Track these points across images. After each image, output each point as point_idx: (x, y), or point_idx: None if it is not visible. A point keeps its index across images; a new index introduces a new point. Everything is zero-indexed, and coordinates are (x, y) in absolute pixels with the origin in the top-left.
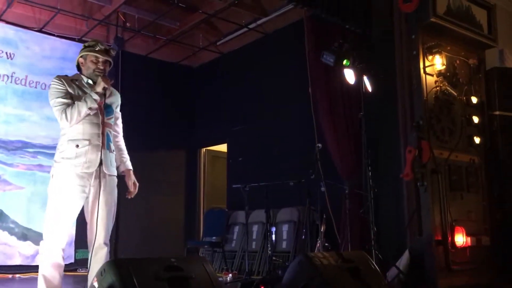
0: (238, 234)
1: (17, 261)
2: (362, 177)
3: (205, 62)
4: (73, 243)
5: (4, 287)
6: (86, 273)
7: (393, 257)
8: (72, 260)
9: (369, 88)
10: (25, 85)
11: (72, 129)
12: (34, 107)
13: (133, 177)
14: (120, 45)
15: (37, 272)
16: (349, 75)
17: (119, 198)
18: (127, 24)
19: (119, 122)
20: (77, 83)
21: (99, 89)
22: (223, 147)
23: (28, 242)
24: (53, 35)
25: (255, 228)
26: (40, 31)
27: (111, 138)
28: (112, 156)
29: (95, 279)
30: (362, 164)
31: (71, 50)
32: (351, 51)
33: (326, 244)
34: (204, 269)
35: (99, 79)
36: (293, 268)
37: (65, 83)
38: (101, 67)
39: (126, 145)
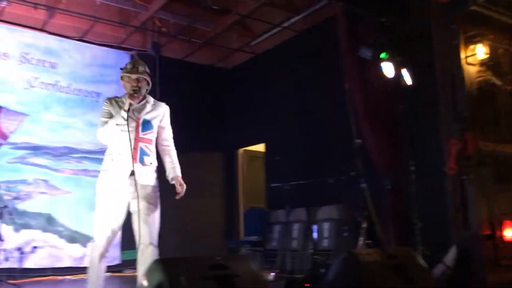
0: (279, 233)
1: (66, 263)
2: (402, 172)
3: (239, 63)
4: (119, 245)
5: None
6: (132, 274)
7: (438, 252)
8: (119, 261)
9: (409, 81)
10: (68, 93)
11: (110, 143)
12: (77, 113)
13: (179, 181)
14: (157, 50)
15: (86, 273)
16: (388, 69)
17: (163, 203)
18: (163, 29)
19: (166, 133)
20: (120, 103)
21: (126, 107)
22: (260, 147)
23: (77, 245)
24: (93, 43)
25: (295, 226)
26: (80, 40)
27: (148, 152)
28: (147, 168)
29: (144, 277)
30: (402, 159)
31: (110, 57)
32: (389, 44)
33: (369, 241)
34: (249, 267)
35: (126, 97)
36: (337, 265)
37: (109, 104)
38: (134, 84)
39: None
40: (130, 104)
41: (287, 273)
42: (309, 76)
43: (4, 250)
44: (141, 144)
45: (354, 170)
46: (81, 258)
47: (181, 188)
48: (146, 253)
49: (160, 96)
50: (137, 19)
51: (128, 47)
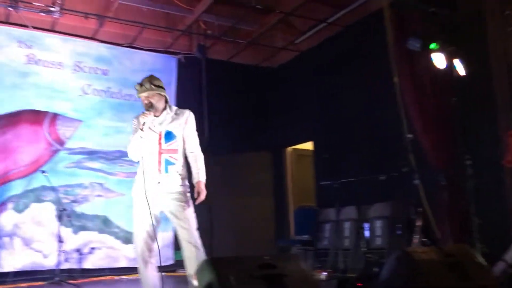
0: (330, 231)
1: (122, 263)
2: (457, 166)
3: (285, 62)
4: (172, 245)
5: (112, 287)
6: (185, 273)
7: (498, 250)
8: (172, 261)
9: (461, 72)
10: (119, 98)
11: (139, 158)
12: (128, 118)
13: (200, 186)
14: (203, 53)
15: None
16: (439, 60)
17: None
18: (208, 31)
19: (191, 140)
20: (141, 119)
21: (140, 125)
22: (308, 145)
23: (132, 245)
24: (142, 49)
25: (346, 225)
26: (129, 46)
27: (173, 161)
28: (173, 177)
29: (194, 276)
30: (457, 153)
31: (158, 62)
32: (439, 34)
33: (424, 239)
34: (298, 267)
35: (140, 115)
36: (391, 264)
37: (137, 121)
38: (146, 102)
39: (214, 150)
40: (144, 123)
41: (339, 273)
42: (356, 72)
43: (64, 251)
44: (164, 156)
45: (406, 166)
46: (134, 259)
47: (201, 194)
48: (186, 252)
49: (207, 97)
50: (183, 23)
51: (175, 51)
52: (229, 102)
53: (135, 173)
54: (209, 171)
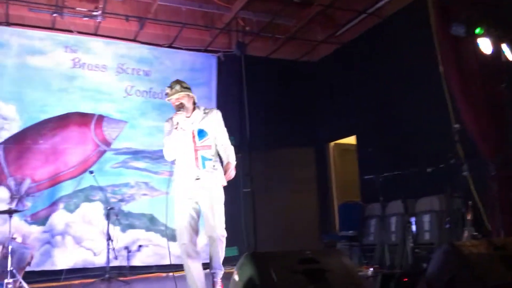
0: (375, 227)
1: (169, 260)
2: (508, 155)
3: (325, 55)
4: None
5: (160, 284)
6: (230, 270)
7: None
8: None
9: (510, 57)
10: (161, 98)
11: (177, 156)
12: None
13: (227, 167)
14: (241, 50)
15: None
16: (485, 45)
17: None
18: (247, 28)
19: (221, 135)
20: (172, 121)
21: (174, 126)
22: (351, 140)
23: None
24: (182, 48)
25: (392, 220)
26: (170, 46)
27: (209, 157)
28: (211, 172)
29: (236, 272)
30: (507, 142)
31: (198, 60)
32: (484, 18)
33: (475, 233)
34: (341, 262)
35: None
36: (437, 258)
37: (168, 124)
38: (177, 104)
39: (255, 145)
40: (178, 122)
41: (386, 269)
42: (399, 63)
43: (113, 249)
44: (200, 152)
45: (454, 157)
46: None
47: (229, 171)
48: (214, 245)
49: (247, 94)
50: (221, 21)
51: (214, 49)
52: (270, 98)
53: None
54: (252, 167)
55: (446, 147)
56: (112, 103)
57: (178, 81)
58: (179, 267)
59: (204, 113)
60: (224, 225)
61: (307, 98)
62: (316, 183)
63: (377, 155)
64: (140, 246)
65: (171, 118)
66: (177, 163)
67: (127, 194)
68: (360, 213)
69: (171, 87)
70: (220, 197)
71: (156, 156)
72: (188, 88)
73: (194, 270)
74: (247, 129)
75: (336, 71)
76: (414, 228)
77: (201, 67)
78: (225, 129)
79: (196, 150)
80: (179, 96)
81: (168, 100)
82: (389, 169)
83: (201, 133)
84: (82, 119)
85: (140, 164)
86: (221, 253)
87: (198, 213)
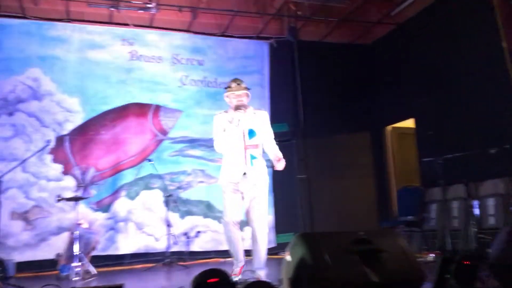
0: (437, 211)
1: (227, 246)
2: None
3: (381, 37)
4: (274, 229)
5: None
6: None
7: None
8: (274, 244)
9: None
10: (215, 87)
11: (225, 152)
12: (225, 106)
13: (277, 157)
14: (294, 35)
15: (249, 256)
16: None
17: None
18: (298, 12)
19: (267, 136)
20: (227, 117)
21: (232, 120)
22: (409, 123)
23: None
24: (234, 37)
25: (454, 204)
26: (222, 35)
27: (256, 155)
28: (257, 169)
29: (287, 252)
30: None
31: (251, 48)
32: None
33: None
34: (396, 243)
35: (231, 111)
36: (500, 241)
37: (219, 119)
38: (239, 99)
39: (309, 132)
40: (236, 117)
41: (449, 254)
42: (458, 41)
43: (173, 235)
44: (249, 150)
45: None
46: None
47: (281, 161)
48: (259, 233)
49: (300, 80)
50: (273, 7)
51: (267, 36)
52: (324, 83)
53: None
54: (306, 153)
55: (510, 127)
56: (168, 93)
57: (239, 80)
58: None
59: (254, 113)
60: (266, 221)
61: (362, 82)
62: (373, 168)
63: (437, 138)
64: (198, 232)
65: (223, 112)
66: (226, 158)
67: (185, 182)
68: (420, 198)
69: (237, 83)
70: (264, 194)
71: (211, 144)
72: (247, 88)
73: (236, 234)
74: (301, 115)
75: (392, 52)
76: (477, 212)
77: (254, 55)
78: (271, 130)
79: (245, 148)
80: (242, 93)
81: (230, 93)
82: (450, 152)
83: (251, 133)
84: (140, 109)
85: (196, 152)
86: (262, 251)
87: (242, 205)
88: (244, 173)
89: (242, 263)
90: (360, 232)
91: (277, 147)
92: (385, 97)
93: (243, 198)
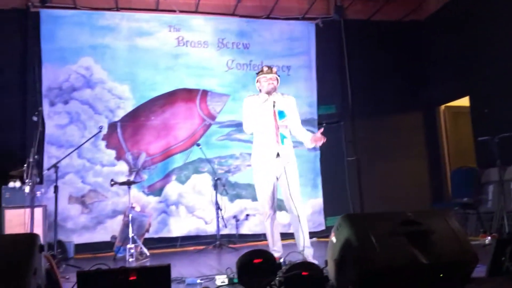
0: (493, 193)
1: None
2: None
3: (433, 12)
4: (322, 211)
5: None
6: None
7: None
8: (323, 227)
9: None
10: None
11: (256, 133)
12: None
13: (316, 135)
14: (340, 14)
15: (293, 239)
16: None
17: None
18: None
19: (295, 118)
20: (257, 99)
21: (263, 101)
22: (464, 101)
23: (283, 212)
24: (279, 18)
25: None
26: (267, 18)
27: (286, 135)
28: (288, 149)
29: (333, 233)
30: None
31: (297, 29)
32: None
33: None
34: (446, 224)
35: (261, 94)
36: None
37: (249, 101)
38: (270, 82)
39: (358, 113)
40: (267, 99)
41: (506, 236)
42: None
43: (223, 218)
44: (280, 130)
45: None
46: (289, 225)
47: (320, 138)
48: (299, 212)
49: (348, 60)
50: None
51: (313, 16)
52: (372, 63)
53: None
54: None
55: None
56: (215, 77)
57: (271, 67)
58: (286, 236)
59: (282, 97)
60: (301, 200)
61: (413, 60)
62: (426, 149)
63: (494, 116)
64: (247, 215)
65: (251, 96)
66: (258, 139)
67: (233, 165)
68: (476, 179)
69: (268, 67)
70: (296, 174)
71: None
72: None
73: (274, 229)
74: (349, 96)
75: (445, 28)
76: None
77: (300, 36)
78: (297, 112)
79: (277, 128)
80: (273, 77)
81: (261, 76)
82: (507, 130)
83: (281, 114)
84: (188, 95)
85: (244, 136)
86: (305, 230)
87: (276, 187)
88: (278, 155)
89: (280, 253)
90: (408, 213)
91: (306, 131)
92: (438, 75)
93: (277, 179)
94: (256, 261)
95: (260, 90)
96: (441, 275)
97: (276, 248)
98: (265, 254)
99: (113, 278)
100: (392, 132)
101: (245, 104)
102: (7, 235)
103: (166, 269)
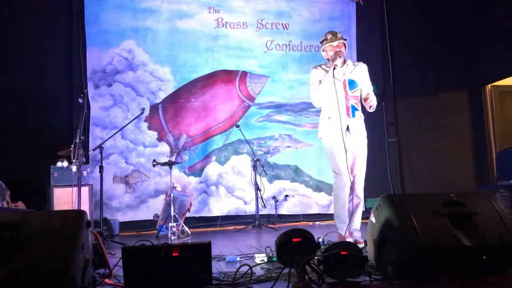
0: None
1: (315, 210)
2: None
3: None
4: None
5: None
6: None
7: None
8: (363, 209)
9: None
10: (301, 50)
11: (324, 104)
12: (310, 69)
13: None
14: None
15: (331, 219)
16: None
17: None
18: None
19: (367, 87)
20: (325, 69)
21: (331, 70)
22: (510, 81)
23: (322, 193)
24: None
25: None
26: None
27: (357, 107)
28: (359, 120)
29: (372, 214)
30: None
31: (337, 9)
32: None
33: None
34: (491, 205)
35: (330, 63)
36: None
37: (317, 71)
38: (337, 50)
39: (400, 93)
40: (335, 67)
41: None
42: None
43: (262, 198)
44: (351, 101)
45: None
46: (328, 206)
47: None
48: (360, 192)
49: (389, 38)
50: None
51: None
52: (414, 41)
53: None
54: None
55: None
56: (254, 59)
57: (334, 31)
58: (324, 216)
59: (354, 65)
60: (364, 170)
61: (458, 37)
62: (471, 130)
63: None
64: (286, 196)
65: (319, 66)
66: (327, 110)
67: (272, 147)
68: None
69: (332, 34)
70: (365, 150)
71: (298, 109)
72: (345, 39)
73: (344, 197)
74: (390, 76)
75: (492, 3)
76: None
77: (340, 15)
78: (369, 81)
79: (347, 99)
80: (339, 43)
81: (327, 45)
82: None
83: (352, 84)
84: (227, 76)
85: (283, 117)
86: (361, 211)
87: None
88: (348, 128)
89: (346, 224)
90: (451, 194)
91: (375, 98)
92: (484, 53)
93: (346, 151)
94: (295, 240)
95: (328, 60)
96: (484, 257)
97: (346, 219)
98: (304, 233)
99: (157, 254)
100: (436, 112)
101: (312, 75)
102: (57, 211)
103: (207, 246)
